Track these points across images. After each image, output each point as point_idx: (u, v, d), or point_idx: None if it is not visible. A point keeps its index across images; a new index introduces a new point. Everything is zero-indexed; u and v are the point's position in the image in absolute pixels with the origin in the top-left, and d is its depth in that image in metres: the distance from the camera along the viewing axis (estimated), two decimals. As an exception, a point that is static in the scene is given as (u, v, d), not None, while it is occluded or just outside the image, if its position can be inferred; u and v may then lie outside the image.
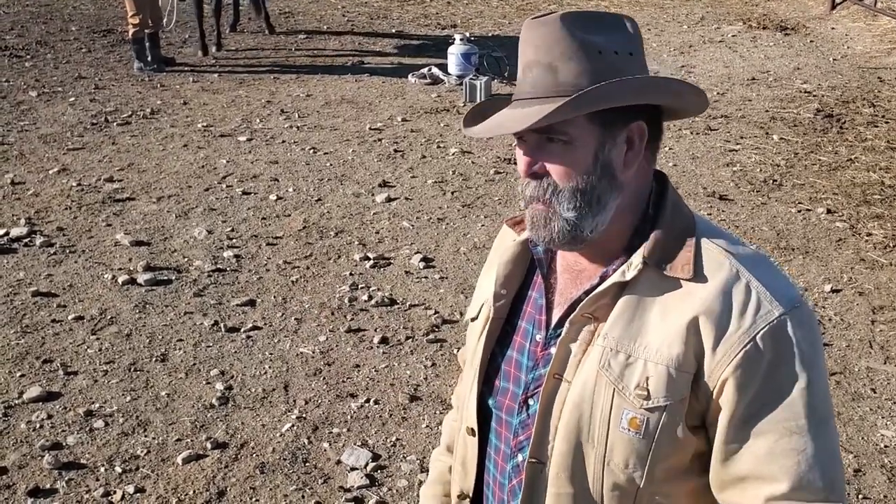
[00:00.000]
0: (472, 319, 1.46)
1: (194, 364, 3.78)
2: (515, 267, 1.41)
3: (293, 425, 3.38)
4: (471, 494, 1.43)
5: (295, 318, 4.16)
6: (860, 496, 3.04)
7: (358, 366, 3.80)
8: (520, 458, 1.32)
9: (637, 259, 1.25)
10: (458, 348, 3.88)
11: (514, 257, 1.41)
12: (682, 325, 1.20)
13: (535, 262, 1.39)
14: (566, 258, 1.35)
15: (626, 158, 1.26)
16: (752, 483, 1.18)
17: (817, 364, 1.20)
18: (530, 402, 1.31)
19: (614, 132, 1.24)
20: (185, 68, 8.79)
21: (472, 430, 1.40)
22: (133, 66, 8.56)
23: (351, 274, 4.60)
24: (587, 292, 1.28)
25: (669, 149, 6.56)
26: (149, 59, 8.58)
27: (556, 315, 1.33)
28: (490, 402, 1.38)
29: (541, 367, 1.31)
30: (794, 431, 1.16)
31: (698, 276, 1.22)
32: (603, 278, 1.28)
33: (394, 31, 10.85)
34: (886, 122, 7.16)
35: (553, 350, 1.28)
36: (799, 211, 5.43)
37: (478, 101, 7.73)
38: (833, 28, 10.80)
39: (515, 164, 6.51)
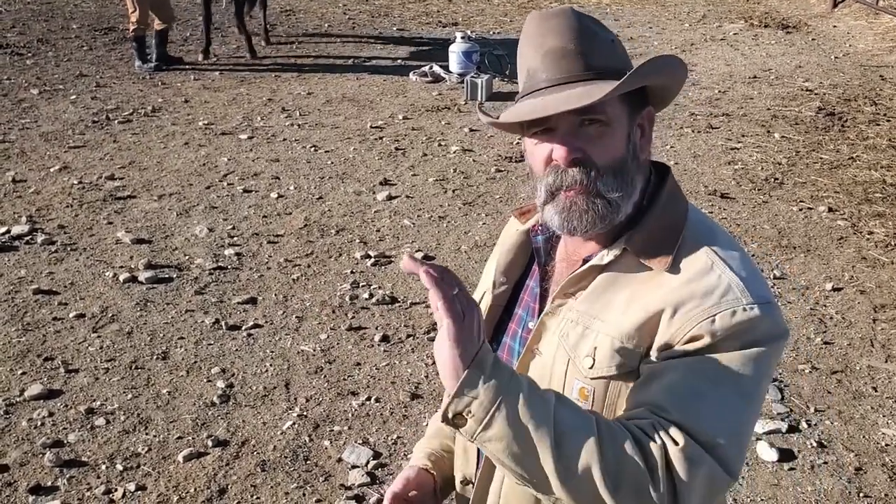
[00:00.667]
0: None
1: (195, 362, 3.78)
2: (516, 256, 1.43)
3: (294, 423, 3.38)
4: (474, 480, 1.43)
5: (296, 316, 4.16)
6: (861, 494, 3.04)
7: (359, 364, 3.80)
8: None
9: (618, 246, 1.28)
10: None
11: (516, 246, 1.43)
12: (645, 309, 1.21)
13: (534, 251, 1.41)
14: (567, 247, 1.37)
15: (641, 143, 1.31)
16: (645, 405, 1.15)
17: (765, 359, 1.17)
18: None
19: (635, 116, 1.29)
20: (187, 67, 8.79)
21: None
22: (134, 64, 8.56)
23: (352, 272, 4.60)
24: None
25: (671, 147, 6.55)
26: (150, 57, 8.57)
27: (548, 302, 1.35)
28: None
29: None
30: (707, 379, 1.13)
31: (674, 268, 1.24)
32: (586, 262, 1.31)
33: (395, 29, 10.84)
34: (888, 121, 7.15)
35: None
36: (800, 209, 5.42)
37: (479, 99, 7.73)
38: (835, 26, 10.79)
39: (520, 161, 6.42)
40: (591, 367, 1.22)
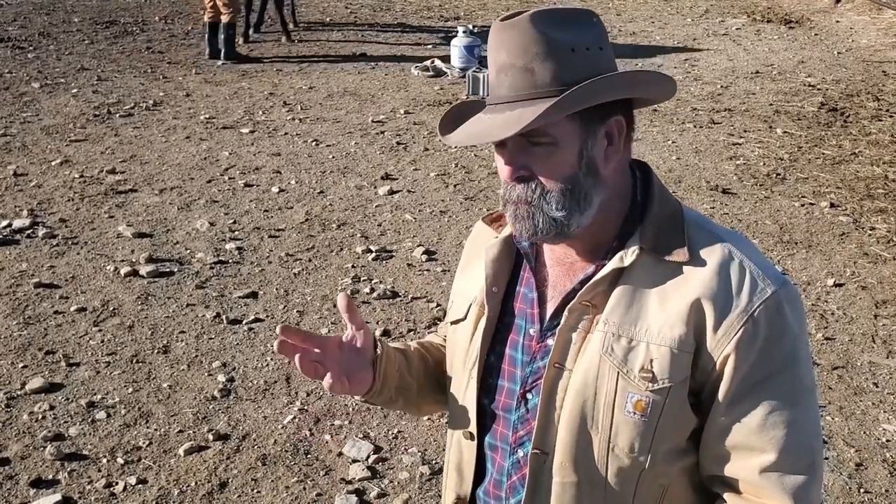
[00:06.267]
0: (456, 321, 1.44)
1: (196, 356, 3.78)
2: (502, 264, 1.40)
3: (295, 417, 3.38)
4: (468, 499, 1.40)
5: (297, 311, 4.16)
6: (861, 490, 3.04)
7: (360, 358, 3.80)
8: (520, 453, 1.32)
9: (634, 245, 1.26)
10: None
11: (500, 254, 1.40)
12: (683, 307, 1.21)
13: (523, 256, 1.38)
14: (555, 251, 1.35)
15: (607, 154, 1.26)
16: (742, 454, 1.22)
17: (803, 337, 1.25)
18: (529, 396, 1.31)
19: (595, 128, 1.24)
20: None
21: (472, 434, 1.38)
22: (220, 58, 8.55)
23: (353, 266, 4.60)
24: (583, 281, 1.28)
25: (673, 142, 6.55)
26: (223, 50, 8.59)
27: (550, 307, 1.32)
28: (485, 401, 1.37)
29: (538, 359, 1.31)
30: (784, 404, 1.20)
31: (694, 258, 1.24)
32: (599, 267, 1.28)
33: (397, 22, 10.83)
34: (891, 116, 7.14)
35: (551, 341, 1.29)
36: (802, 205, 5.41)
37: (481, 93, 7.73)
38: (838, 21, 10.77)
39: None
40: (651, 380, 1.21)
